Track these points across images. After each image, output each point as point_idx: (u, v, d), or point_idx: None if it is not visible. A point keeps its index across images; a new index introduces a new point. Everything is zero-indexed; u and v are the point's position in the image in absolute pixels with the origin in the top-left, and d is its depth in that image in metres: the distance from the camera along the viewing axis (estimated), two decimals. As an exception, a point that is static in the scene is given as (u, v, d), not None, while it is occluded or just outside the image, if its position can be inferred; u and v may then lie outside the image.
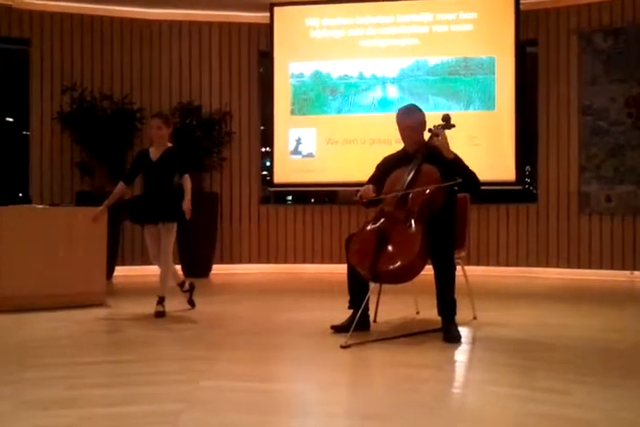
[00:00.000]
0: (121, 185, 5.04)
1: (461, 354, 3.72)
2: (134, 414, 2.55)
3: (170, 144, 5.02)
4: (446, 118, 4.26)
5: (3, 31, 7.84)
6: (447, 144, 4.09)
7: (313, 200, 9.16)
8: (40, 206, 5.73)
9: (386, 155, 4.47)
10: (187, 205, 4.74)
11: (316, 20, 8.24)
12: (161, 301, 4.85)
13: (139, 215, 4.99)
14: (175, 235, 4.94)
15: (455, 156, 4.10)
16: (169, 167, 4.91)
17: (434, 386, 3.00)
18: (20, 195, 8.56)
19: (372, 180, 4.29)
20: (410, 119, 4.21)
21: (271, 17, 8.23)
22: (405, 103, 4.62)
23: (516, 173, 7.73)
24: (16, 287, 5.03)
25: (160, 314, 4.79)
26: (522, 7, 7.77)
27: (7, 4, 7.76)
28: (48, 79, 8.02)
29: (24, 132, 8.38)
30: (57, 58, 8.05)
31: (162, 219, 4.84)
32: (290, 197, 9.32)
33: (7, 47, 8.26)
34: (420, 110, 4.29)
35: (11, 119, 9.80)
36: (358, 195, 4.14)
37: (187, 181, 4.83)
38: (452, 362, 3.57)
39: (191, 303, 5.17)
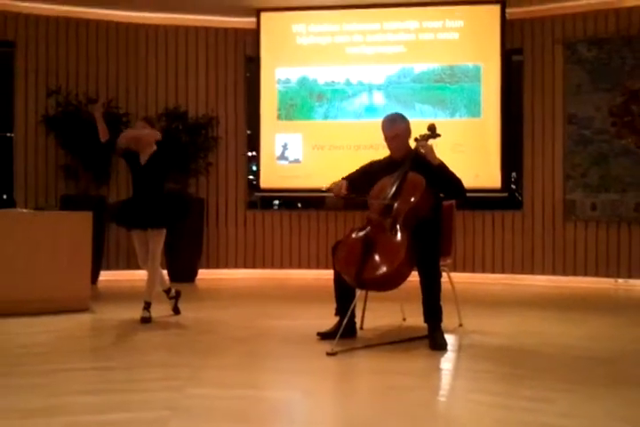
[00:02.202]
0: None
1: (447, 362, 3.73)
2: (120, 422, 2.53)
3: (155, 147, 5.00)
4: (432, 128, 4.28)
5: (-13, 33, 7.80)
6: (433, 151, 4.12)
7: (299, 205, 9.17)
8: (25, 211, 5.69)
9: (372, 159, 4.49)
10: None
11: (302, 26, 8.25)
12: (147, 306, 4.83)
13: (127, 220, 4.97)
14: (164, 240, 4.91)
15: (441, 162, 4.13)
16: (156, 171, 4.91)
17: (419, 394, 3.00)
18: (5, 197, 8.50)
19: (350, 178, 4.28)
20: (394, 128, 4.23)
21: (258, 22, 8.24)
22: (391, 110, 4.64)
23: (501, 181, 7.78)
24: (0, 292, 4.98)
25: (146, 320, 4.76)
26: (507, 16, 7.83)
27: (-8, 6, 7.72)
28: (33, 82, 7.97)
29: (8, 135, 8.32)
30: (42, 61, 8.00)
31: (150, 225, 4.82)
32: (276, 203, 9.32)
33: (-8, 49, 8.20)
34: (404, 118, 4.30)
35: (-6, 122, 9.73)
36: (329, 187, 4.16)
37: None
38: (438, 370, 3.59)
39: (176, 311, 5.15)
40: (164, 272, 5.37)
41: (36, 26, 7.96)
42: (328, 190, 4.18)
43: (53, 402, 2.79)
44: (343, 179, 4.25)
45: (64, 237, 5.29)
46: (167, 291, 5.13)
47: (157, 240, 4.84)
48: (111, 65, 8.22)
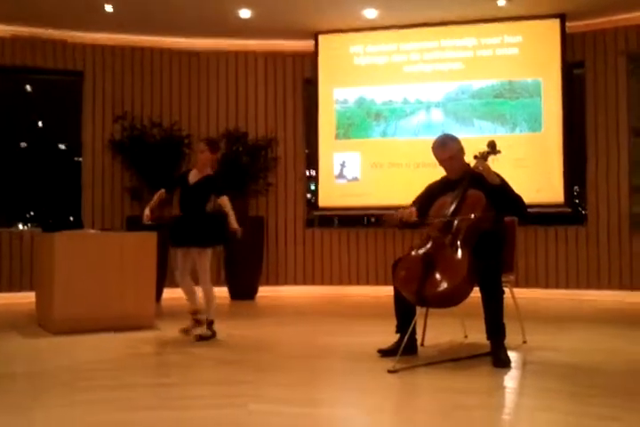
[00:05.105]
0: (161, 191, 5.17)
1: (511, 380, 3.66)
2: (184, 437, 2.58)
3: (210, 172, 5.10)
4: (492, 145, 4.22)
5: (58, 64, 8.14)
6: (491, 172, 4.06)
7: (357, 223, 9.15)
8: (93, 231, 5.86)
9: (430, 180, 4.46)
10: (233, 225, 4.81)
11: (359, 47, 8.34)
12: (210, 324, 4.90)
13: (173, 237, 5.05)
14: (210, 257, 4.96)
15: (501, 181, 4.07)
16: (203, 193, 5.01)
17: (483, 413, 2.96)
18: (72, 218, 8.78)
19: (417, 203, 4.27)
20: (447, 151, 4.21)
21: (316, 45, 8.36)
22: (450, 127, 4.64)
23: (564, 196, 7.63)
24: (69, 310, 5.15)
25: (204, 338, 4.82)
26: (568, 30, 7.73)
27: (63, 39, 8.08)
28: (100, 108, 8.27)
29: (76, 159, 8.62)
30: (108, 88, 8.30)
31: (194, 244, 4.90)
32: (335, 221, 9.34)
33: (62, 79, 8.55)
34: (454, 139, 4.28)
35: (64, 146, 10.10)
36: (399, 216, 4.16)
37: (225, 202, 4.90)
38: (502, 388, 3.52)
39: (186, 331, 4.97)
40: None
41: (102, 55, 8.28)
42: (400, 219, 4.17)
43: (119, 417, 2.86)
44: (412, 205, 4.24)
45: (130, 256, 5.44)
46: (195, 313, 5.00)
47: (203, 259, 4.91)
48: (174, 90, 8.47)
